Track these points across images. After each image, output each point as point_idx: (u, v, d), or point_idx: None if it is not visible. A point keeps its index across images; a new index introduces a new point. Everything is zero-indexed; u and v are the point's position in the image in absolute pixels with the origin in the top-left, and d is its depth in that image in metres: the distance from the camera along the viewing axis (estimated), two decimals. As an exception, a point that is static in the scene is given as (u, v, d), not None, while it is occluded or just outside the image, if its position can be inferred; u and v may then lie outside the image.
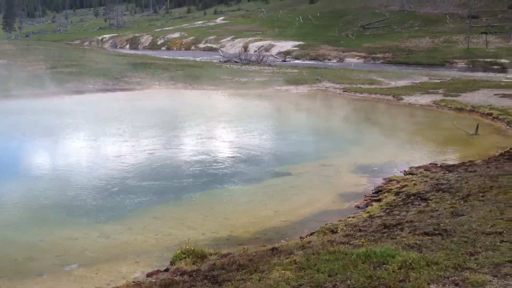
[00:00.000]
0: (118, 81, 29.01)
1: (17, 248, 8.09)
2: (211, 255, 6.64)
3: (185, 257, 6.58)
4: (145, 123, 18.52)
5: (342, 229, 7.60)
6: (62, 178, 11.93)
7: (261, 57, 48.82)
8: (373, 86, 28.58)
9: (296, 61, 54.69)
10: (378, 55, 55.60)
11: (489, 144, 15.23)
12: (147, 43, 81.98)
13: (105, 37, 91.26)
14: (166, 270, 6.56)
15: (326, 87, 28.75)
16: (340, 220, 8.61)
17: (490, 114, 19.35)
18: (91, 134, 16.84)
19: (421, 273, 4.80)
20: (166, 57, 51.42)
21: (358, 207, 9.81)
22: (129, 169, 12.51)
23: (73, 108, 21.76)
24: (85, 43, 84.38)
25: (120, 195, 10.53)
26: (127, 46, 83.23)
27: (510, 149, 13.91)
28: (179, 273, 6.00)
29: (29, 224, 9.10)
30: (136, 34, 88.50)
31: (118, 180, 11.60)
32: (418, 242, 5.82)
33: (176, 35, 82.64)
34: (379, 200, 9.73)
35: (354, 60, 54.21)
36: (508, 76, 36.77)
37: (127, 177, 11.87)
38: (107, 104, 23.26)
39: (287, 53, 60.33)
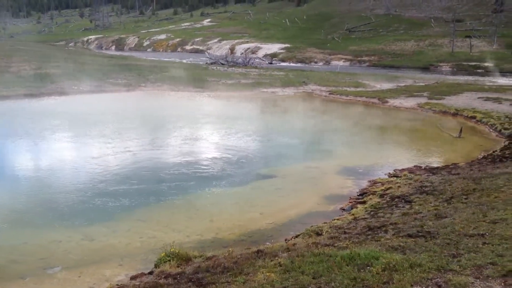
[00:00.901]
0: (103, 83, 28.81)
1: (0, 251, 7.97)
2: (195, 257, 6.61)
3: (169, 260, 6.54)
4: (130, 125, 18.42)
5: (327, 231, 7.62)
6: (46, 180, 11.80)
7: (247, 60, 48.84)
8: (358, 89, 28.76)
9: (283, 64, 54.79)
10: (364, 58, 55.99)
11: (472, 147, 15.42)
12: (133, 45, 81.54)
13: (91, 38, 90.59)
14: (151, 273, 6.51)
15: (312, 90, 28.86)
16: (325, 222, 8.64)
17: (474, 117, 19.59)
18: (75, 136, 16.69)
19: (405, 275, 4.83)
20: (152, 58, 51.21)
21: (343, 209, 9.85)
22: (113, 171, 12.42)
23: (57, 110, 21.56)
24: (70, 44, 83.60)
25: (104, 198, 10.44)
26: (113, 47, 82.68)
27: (493, 152, 14.09)
28: (163, 276, 5.96)
29: (12, 227, 8.99)
30: (122, 36, 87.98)
31: (102, 182, 11.50)
32: (401, 244, 5.86)
33: (163, 36, 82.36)
34: (364, 202, 9.78)
35: (340, 63, 54.51)
36: (491, 79, 37.26)
37: (111, 179, 11.78)
38: (92, 106, 23.06)
39: (273, 55, 60.44)
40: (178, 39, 78.41)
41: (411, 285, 4.62)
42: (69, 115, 20.47)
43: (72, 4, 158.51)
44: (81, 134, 16.85)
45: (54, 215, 9.57)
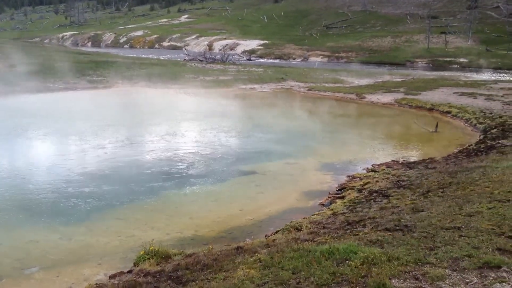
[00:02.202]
0: (79, 80, 28.41)
1: (-25, 253, 7.83)
2: (175, 255, 6.58)
3: (148, 258, 6.50)
4: (106, 122, 18.21)
5: (307, 226, 7.66)
6: (21, 179, 11.60)
7: (226, 56, 48.72)
8: (336, 85, 28.96)
9: (261, 60, 54.80)
10: (341, 54, 56.35)
11: (448, 141, 15.67)
12: (110, 41, 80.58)
13: (66, 35, 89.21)
14: (130, 271, 6.46)
15: (290, 86, 28.94)
16: (304, 218, 8.69)
17: (449, 112, 19.90)
18: (50, 134, 16.43)
19: (383, 268, 4.88)
20: (129, 55, 50.70)
21: (323, 205, 9.92)
22: (91, 170, 12.28)
23: (32, 108, 21.18)
24: (45, 41, 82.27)
25: (82, 197, 10.31)
26: (89, 44, 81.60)
27: (468, 146, 14.34)
28: (142, 274, 5.92)
29: (-13, 228, 8.81)
30: (98, 32, 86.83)
31: (80, 181, 11.37)
32: (379, 238, 5.92)
33: (139, 33, 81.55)
34: (343, 198, 9.87)
35: (318, 59, 54.75)
36: (466, 74, 37.90)
37: (88, 178, 11.64)
38: (67, 103, 22.73)
39: (252, 52, 60.39)
40: (155, 36, 77.77)
41: (389, 279, 4.67)
42: (43, 113, 20.15)
43: (47, 0, 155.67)
44: (56, 132, 16.60)
45: (30, 215, 9.41)
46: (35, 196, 10.41)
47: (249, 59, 54.48)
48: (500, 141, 13.85)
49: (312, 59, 55.07)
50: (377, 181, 10.53)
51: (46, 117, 19.28)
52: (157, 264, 6.29)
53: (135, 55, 51.06)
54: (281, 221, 8.95)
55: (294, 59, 56.19)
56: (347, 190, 10.41)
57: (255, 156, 14.12)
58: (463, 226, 6.09)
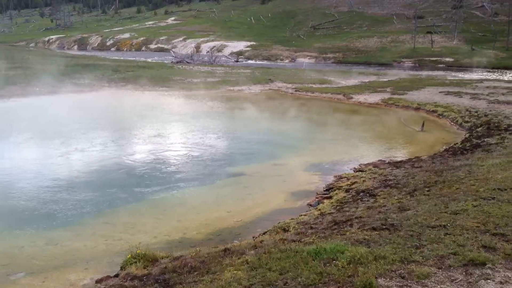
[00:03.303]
0: (65, 83, 28.15)
1: (-41, 259, 7.72)
2: (162, 258, 6.55)
3: (135, 262, 6.45)
4: (92, 125, 18.08)
5: (294, 227, 7.68)
6: (6, 183, 11.47)
7: (213, 58, 48.71)
8: (324, 86, 29.07)
9: (249, 62, 54.85)
10: (329, 55, 56.58)
11: (434, 140, 15.80)
12: (96, 44, 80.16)
13: (52, 38, 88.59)
14: (116, 275, 6.41)
15: (278, 87, 28.99)
16: (292, 219, 8.69)
17: (435, 111, 20.06)
18: (35, 138, 16.27)
19: (369, 267, 4.90)
20: (116, 58, 50.45)
21: (310, 205, 9.93)
22: (77, 173, 12.18)
23: (18, 112, 20.98)
24: (31, 45, 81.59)
25: (68, 200, 10.22)
26: (75, 47, 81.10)
27: (454, 144, 14.47)
28: (129, 278, 5.89)
29: (-29, 233, 8.70)
30: (84, 35, 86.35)
31: (65, 185, 11.26)
32: (366, 237, 5.95)
33: (126, 35, 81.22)
34: (330, 198, 9.89)
35: (306, 60, 54.91)
36: (452, 74, 38.25)
37: (75, 181, 11.55)
38: (54, 107, 22.54)
39: (239, 53, 60.42)
40: (142, 38, 77.50)
41: (376, 277, 4.69)
42: (28, 116, 19.96)
43: (32, 4, 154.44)
44: (41, 136, 16.44)
45: (16, 219, 9.31)
46: (20, 200, 10.30)
47: (237, 61, 54.52)
48: (485, 139, 13.99)
49: (300, 60, 55.24)
50: (364, 180, 10.58)
51: (31, 121, 19.10)
52: (144, 268, 6.25)
53: (122, 58, 50.82)
54: (269, 222, 8.95)
55: (281, 60, 56.32)
56: (335, 190, 10.44)
57: (243, 157, 14.11)
58: (449, 224, 6.15)
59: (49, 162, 13.36)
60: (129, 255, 6.68)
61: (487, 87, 25.05)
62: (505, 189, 7.69)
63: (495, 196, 7.36)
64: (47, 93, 25.74)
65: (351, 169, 12.32)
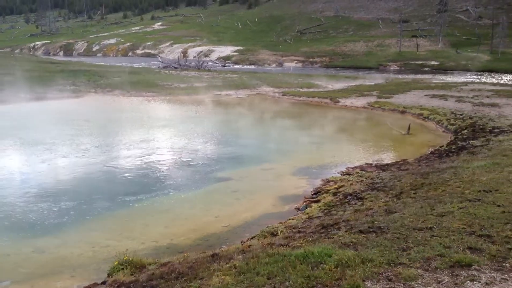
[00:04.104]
0: (51, 89, 27.94)
1: None
2: (150, 264, 6.50)
3: (123, 268, 6.40)
4: (78, 131, 17.92)
5: (282, 231, 7.67)
6: (-9, 192, 11.31)
7: (200, 63, 48.67)
8: (311, 90, 29.20)
9: (236, 66, 54.90)
10: (315, 59, 56.86)
11: (420, 143, 15.92)
12: (82, 50, 79.74)
13: (37, 44, 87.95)
14: (103, 282, 6.36)
15: (265, 92, 29.05)
16: (280, 223, 8.69)
17: (421, 114, 20.24)
18: (20, 145, 16.08)
19: (357, 270, 4.92)
20: (103, 63, 50.18)
21: (298, 209, 9.94)
22: (63, 180, 12.07)
23: (1, 118, 20.74)
24: (16, 51, 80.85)
25: (55, 208, 10.11)
26: (61, 53, 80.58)
27: (440, 147, 14.60)
28: (116, 285, 5.84)
29: (-45, 242, 8.56)
30: (70, 41, 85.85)
31: (52, 192, 11.14)
32: (353, 240, 5.96)
33: (112, 41, 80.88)
34: (318, 201, 9.91)
35: (293, 64, 55.13)
36: (437, 77, 38.62)
37: (60, 188, 11.43)
38: (38, 114, 22.32)
39: (226, 58, 60.47)
40: (128, 43, 77.25)
41: (363, 280, 4.70)
42: (13, 123, 19.73)
43: (17, 10, 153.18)
44: (26, 143, 16.25)
45: (1, 228, 9.19)
46: (5, 208, 10.16)
47: (224, 66, 54.53)
48: (470, 141, 14.14)
49: (287, 64, 55.43)
50: (351, 184, 10.62)
51: (16, 127, 18.88)
52: (132, 274, 6.21)
53: (108, 63, 50.56)
54: (257, 226, 8.94)
55: (268, 64, 56.45)
56: (322, 193, 10.47)
57: (231, 162, 14.09)
58: (435, 226, 6.19)
59: (33, 168, 13.21)
60: (116, 262, 6.63)
61: (472, 90, 25.35)
62: (490, 191, 7.78)
63: (480, 197, 7.43)
64: (32, 100, 25.52)
65: (338, 173, 12.37)
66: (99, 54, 75.83)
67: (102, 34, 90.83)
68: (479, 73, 43.56)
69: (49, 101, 25.63)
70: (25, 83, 28.63)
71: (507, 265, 4.92)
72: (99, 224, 9.40)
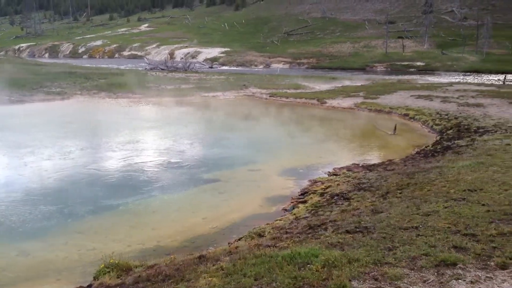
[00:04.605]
0: (36, 92, 27.67)
1: None
2: (136, 267, 6.46)
3: (109, 271, 6.35)
4: (64, 134, 17.75)
5: (269, 232, 7.67)
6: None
7: (187, 64, 48.54)
8: (298, 91, 29.27)
9: (223, 68, 54.88)
10: (302, 61, 57.03)
11: (406, 143, 16.04)
12: (68, 52, 79.15)
13: (22, 46, 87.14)
14: (89, 286, 6.30)
15: (253, 93, 29.05)
16: (267, 224, 8.69)
17: (407, 115, 20.39)
18: (5, 147, 15.89)
19: (343, 270, 4.93)
20: (89, 65, 49.82)
21: (285, 210, 9.95)
22: (47, 182, 11.94)
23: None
24: (1, 53, 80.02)
25: (39, 210, 9.99)
26: (46, 55, 79.90)
27: (426, 147, 14.71)
28: (102, 288, 5.79)
29: None
30: (56, 43, 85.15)
31: (36, 194, 11.01)
32: (340, 240, 5.98)
33: (99, 42, 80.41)
34: (305, 202, 9.93)
35: (280, 65, 55.23)
36: (423, 78, 38.96)
37: (46, 190, 11.31)
38: (23, 116, 22.08)
39: (214, 59, 60.41)
40: (115, 45, 76.82)
41: (349, 280, 4.72)
42: None
43: (2, 12, 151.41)
44: (13, 145, 16.07)
45: (-16, 232, 9.07)
46: (-10, 212, 10.04)
47: (211, 67, 54.47)
48: (455, 141, 14.27)
49: (274, 65, 55.52)
50: (338, 184, 10.66)
51: (0, 130, 18.67)
52: (118, 277, 6.16)
53: (94, 65, 50.22)
54: (245, 227, 8.93)
55: (256, 66, 56.50)
56: (309, 194, 10.49)
57: (218, 163, 14.06)
58: (421, 226, 6.23)
59: (17, 171, 13.05)
60: (102, 265, 6.57)
61: (457, 90, 25.60)
62: (475, 190, 7.86)
63: (465, 197, 7.50)
64: (16, 102, 25.25)
65: (325, 173, 12.40)
66: (85, 56, 75.31)
67: (88, 36, 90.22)
68: (464, 74, 44.02)
69: (34, 103, 25.38)
70: (9, 85, 28.29)
71: (492, 263, 4.97)
72: (85, 226, 9.31)
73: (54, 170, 13.05)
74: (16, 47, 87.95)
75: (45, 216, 9.72)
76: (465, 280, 4.66)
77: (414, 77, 40.43)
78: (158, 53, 67.71)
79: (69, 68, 40.90)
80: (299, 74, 43.55)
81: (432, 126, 18.00)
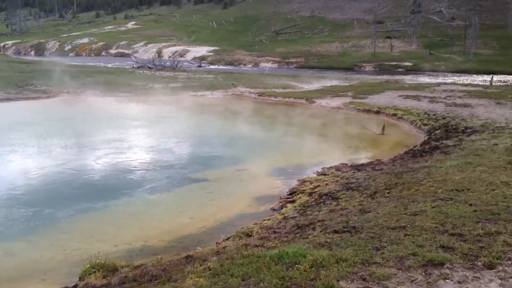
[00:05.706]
0: (21, 90, 27.35)
1: None
2: (123, 267, 6.38)
3: (95, 272, 6.27)
4: (50, 133, 17.55)
5: (257, 232, 7.63)
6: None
7: (176, 63, 48.33)
8: (287, 90, 29.26)
9: (212, 67, 54.71)
10: (291, 60, 57.06)
11: (394, 143, 16.09)
12: (54, 49, 78.40)
13: (8, 44, 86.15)
14: (75, 286, 6.22)
15: (241, 92, 28.99)
16: (255, 223, 8.65)
17: (395, 115, 20.47)
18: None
19: (331, 270, 4.91)
20: (75, 63, 49.38)
21: (274, 210, 9.92)
22: (33, 182, 11.79)
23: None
24: (-15, 50, 78.88)
25: (24, 210, 9.86)
26: (32, 52, 79.07)
27: (414, 147, 14.77)
28: (88, 289, 5.72)
29: None
30: (42, 40, 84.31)
31: (22, 193, 10.88)
32: (328, 240, 5.96)
33: (85, 40, 79.75)
34: (293, 202, 9.91)
35: (269, 65, 55.22)
36: (411, 77, 39.19)
37: (30, 189, 11.17)
38: (6, 115, 21.78)
39: (202, 58, 60.23)
40: (102, 43, 76.25)
41: (337, 280, 4.70)
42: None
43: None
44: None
45: (-32, 232, 8.93)
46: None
47: (200, 66, 54.29)
48: (443, 141, 14.35)
49: (263, 65, 55.49)
50: (327, 184, 10.65)
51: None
52: (104, 278, 6.08)
53: (81, 63, 49.80)
54: (232, 227, 8.88)
55: (244, 65, 56.42)
56: (298, 194, 10.47)
57: (206, 163, 13.98)
58: (408, 225, 6.23)
59: (3, 171, 12.88)
60: (88, 265, 6.49)
61: (445, 90, 25.77)
62: (463, 190, 7.89)
63: (453, 196, 7.53)
64: (1, 100, 24.91)
65: (314, 173, 12.39)
66: (71, 54, 74.65)
67: (74, 34, 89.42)
68: (451, 74, 44.35)
69: (20, 101, 25.07)
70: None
71: (479, 263, 4.98)
72: (70, 226, 9.21)
73: (39, 169, 12.89)
74: (1, 44, 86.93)
75: (30, 216, 9.60)
76: (452, 280, 4.67)
77: (402, 77, 40.65)
78: (145, 51, 67.35)
79: (55, 66, 40.45)
80: (288, 73, 43.58)
81: (420, 126, 18.09)
